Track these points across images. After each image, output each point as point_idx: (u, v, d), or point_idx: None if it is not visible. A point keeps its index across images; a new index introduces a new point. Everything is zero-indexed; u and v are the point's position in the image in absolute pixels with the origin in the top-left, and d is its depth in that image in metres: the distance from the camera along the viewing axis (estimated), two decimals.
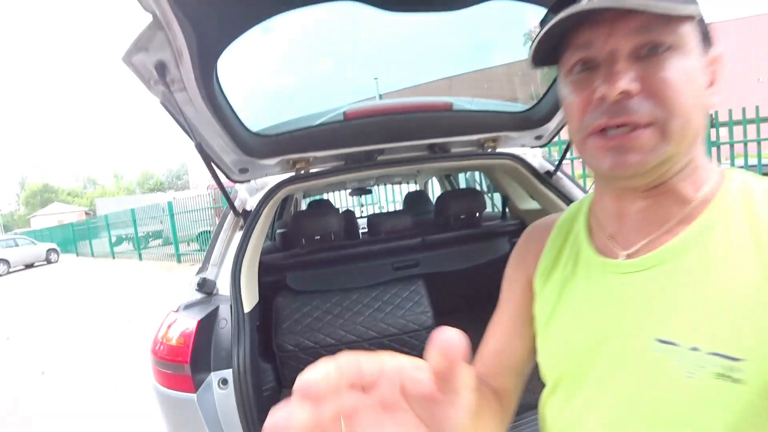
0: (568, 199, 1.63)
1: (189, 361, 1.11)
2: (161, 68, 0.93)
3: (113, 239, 15.06)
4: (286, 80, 1.40)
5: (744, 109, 4.43)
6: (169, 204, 10.77)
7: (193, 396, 1.11)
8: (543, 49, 0.45)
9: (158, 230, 13.06)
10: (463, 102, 1.64)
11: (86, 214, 37.19)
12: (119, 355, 4.08)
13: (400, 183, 5.15)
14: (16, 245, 15.30)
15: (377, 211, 8.02)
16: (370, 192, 5.07)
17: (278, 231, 2.47)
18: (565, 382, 0.51)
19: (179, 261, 10.51)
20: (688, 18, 0.40)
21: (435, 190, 5.24)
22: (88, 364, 3.94)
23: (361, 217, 4.70)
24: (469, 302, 2.00)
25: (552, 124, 1.63)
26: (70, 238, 19.93)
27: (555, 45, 0.45)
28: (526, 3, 1.02)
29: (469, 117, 1.55)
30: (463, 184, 4.12)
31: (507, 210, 2.38)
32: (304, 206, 3.81)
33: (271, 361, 1.66)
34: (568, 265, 0.53)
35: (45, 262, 15.97)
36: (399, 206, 7.47)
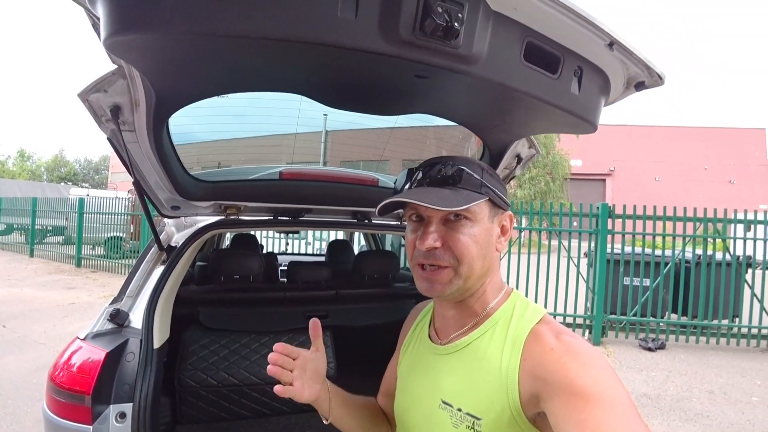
0: None
1: (91, 393, 1.10)
2: (116, 110, 1.00)
3: (2, 226, 13.22)
4: (230, 134, 1.49)
5: (635, 206, 5.25)
6: (81, 200, 9.82)
7: (89, 428, 1.09)
8: (389, 207, 0.69)
9: (60, 226, 11.72)
10: (388, 179, 1.84)
11: None
12: None
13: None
14: None
15: (303, 245, 8.01)
16: (297, 232, 5.17)
17: (198, 263, 2.44)
18: (399, 428, 0.77)
19: (78, 265, 9.48)
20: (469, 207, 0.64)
21: (360, 238, 5.46)
22: None
23: (283, 253, 4.72)
24: (370, 357, 2.12)
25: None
26: None
27: (396, 205, 0.68)
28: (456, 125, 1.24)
29: (391, 194, 1.74)
30: (389, 240, 4.35)
31: None
32: (228, 238, 3.77)
33: (169, 396, 1.63)
34: (416, 342, 0.79)
35: None
36: (325, 243, 7.56)
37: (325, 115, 1.77)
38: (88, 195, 11.67)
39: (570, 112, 0.82)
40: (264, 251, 3.51)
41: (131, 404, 1.14)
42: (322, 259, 3.84)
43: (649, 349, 4.96)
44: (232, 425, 1.75)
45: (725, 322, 5.27)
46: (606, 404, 0.50)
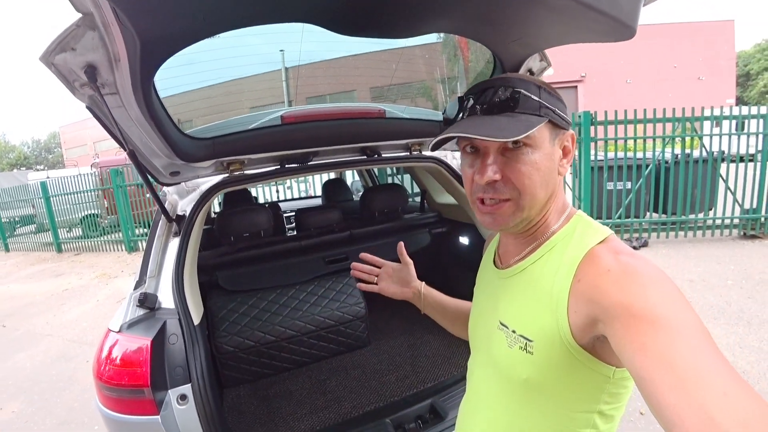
0: None
1: (150, 384, 1.07)
2: (91, 71, 0.87)
3: None
4: (221, 80, 1.35)
5: (616, 111, 5.27)
6: (43, 184, 9.25)
7: (157, 418, 1.08)
8: (442, 142, 0.65)
9: (29, 215, 11.15)
10: (395, 109, 1.74)
11: None
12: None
13: None
14: None
15: (288, 192, 7.87)
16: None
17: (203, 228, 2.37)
18: (470, 341, 0.81)
19: (59, 250, 9.18)
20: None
21: (349, 176, 5.33)
22: None
23: (284, 200, 4.59)
24: None
25: None
26: None
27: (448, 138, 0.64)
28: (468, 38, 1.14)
29: (399, 124, 1.66)
30: (378, 174, 4.28)
31: (425, 203, 2.58)
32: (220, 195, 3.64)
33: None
34: (485, 265, 0.81)
35: None
36: (309, 185, 7.41)
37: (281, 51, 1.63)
38: (48, 177, 10.99)
39: (608, 15, 0.74)
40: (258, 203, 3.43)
41: (189, 385, 1.13)
42: (318, 201, 3.78)
43: (634, 248, 5.25)
44: (276, 379, 1.80)
45: (701, 215, 5.57)
46: (671, 328, 0.46)
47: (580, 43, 1.00)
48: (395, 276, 0.99)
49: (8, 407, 2.88)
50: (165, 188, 1.49)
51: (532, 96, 0.60)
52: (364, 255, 0.99)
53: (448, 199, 2.39)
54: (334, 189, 3.12)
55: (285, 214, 2.81)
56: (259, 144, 1.37)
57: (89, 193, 9.09)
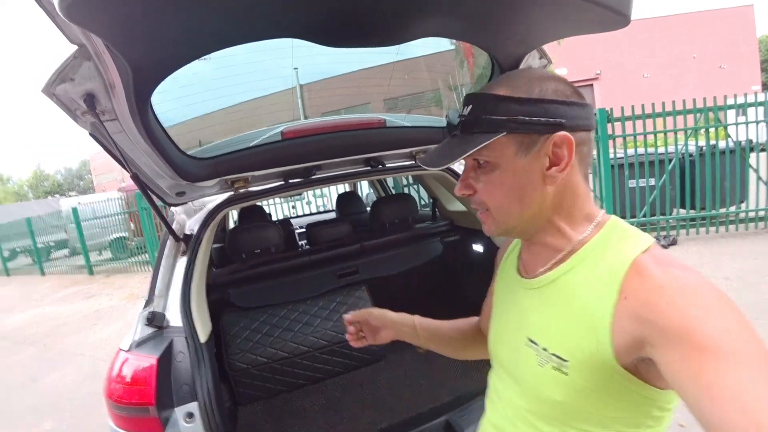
0: None
1: (155, 402, 1.08)
2: (90, 99, 0.90)
3: (5, 254, 13.17)
4: (220, 102, 1.38)
5: (633, 107, 5.13)
6: (74, 210, 9.67)
7: None
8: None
9: (62, 240, 11.65)
10: (395, 118, 1.74)
11: None
12: (34, 388, 3.68)
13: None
14: None
15: (306, 207, 7.96)
16: (300, 193, 5.05)
17: (213, 246, 2.40)
18: (492, 358, 0.75)
19: (91, 273, 9.53)
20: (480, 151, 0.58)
21: (364, 188, 5.34)
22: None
23: (294, 216, 4.65)
24: (410, 303, 2.15)
25: None
26: None
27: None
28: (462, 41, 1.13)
29: (401, 133, 1.66)
30: (391, 183, 4.27)
31: (437, 211, 2.55)
32: (235, 213, 3.71)
33: (224, 380, 1.65)
34: (507, 273, 0.75)
35: None
36: (327, 200, 7.46)
37: (295, 69, 1.65)
38: (79, 203, 11.50)
39: (600, 4, 0.72)
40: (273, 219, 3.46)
41: (195, 403, 1.13)
42: (333, 215, 3.80)
43: (663, 247, 5.05)
44: (290, 396, 1.80)
45: (733, 209, 5.31)
46: (740, 363, 0.41)
47: (577, 35, 0.97)
48: (372, 324, 0.93)
49: (43, 425, 2.98)
50: (172, 208, 1.53)
51: (485, 114, 0.57)
52: (348, 319, 0.94)
53: (459, 206, 2.36)
54: (347, 202, 3.14)
55: (298, 230, 2.84)
56: (261, 160, 1.39)
57: (117, 217, 9.46)
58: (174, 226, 1.44)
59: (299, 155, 1.43)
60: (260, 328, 1.71)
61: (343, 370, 1.83)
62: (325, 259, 2.01)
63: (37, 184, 50.28)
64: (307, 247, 2.22)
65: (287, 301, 1.83)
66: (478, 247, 2.21)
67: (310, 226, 2.12)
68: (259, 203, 4.16)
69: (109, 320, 5.52)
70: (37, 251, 11.59)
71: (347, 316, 0.94)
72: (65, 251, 11.80)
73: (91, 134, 1.00)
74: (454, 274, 2.34)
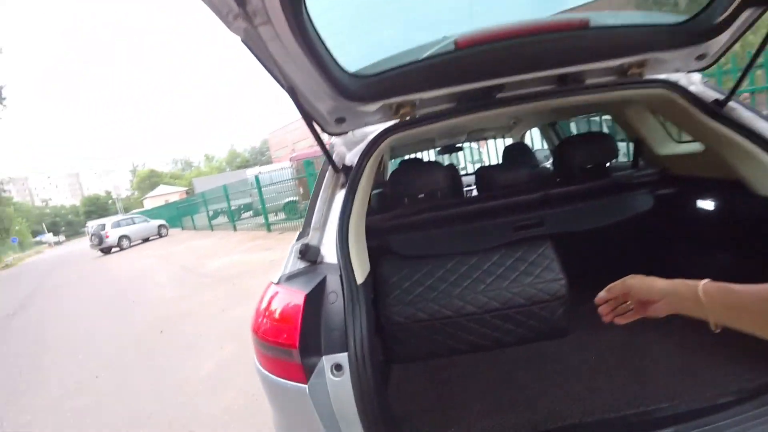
0: (750, 133, 1.24)
1: (298, 346, 0.94)
2: None
3: (210, 213, 16.54)
4: (382, 9, 1.18)
5: None
6: (256, 178, 11.42)
7: (304, 387, 0.96)
8: None
9: (248, 203, 14.05)
10: (602, 17, 1.30)
11: (186, 193, 41.42)
12: (223, 317, 4.42)
13: (493, 138, 4.44)
14: (134, 223, 17.70)
15: (470, 169, 7.56)
16: (460, 149, 4.63)
17: (373, 192, 2.26)
18: None
19: (269, 230, 11.19)
20: None
21: (534, 144, 4.70)
22: (196, 324, 4.33)
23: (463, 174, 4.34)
24: (605, 268, 1.67)
25: (724, 37, 1.23)
26: (175, 215, 22.46)
27: None
28: None
29: (610, 36, 1.22)
30: (570, 134, 3.60)
31: (639, 159, 1.97)
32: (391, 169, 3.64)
33: (378, 334, 1.52)
34: None
35: (157, 236, 18.24)
36: (492, 159, 6.87)
37: None
38: (260, 173, 13.59)
39: None
40: None
41: (346, 353, 0.96)
42: None
43: None
44: (451, 361, 1.58)
45: None
46: None
47: None
48: (641, 295, 0.74)
49: (226, 347, 3.53)
50: (333, 139, 1.42)
51: None
52: (605, 294, 0.78)
53: (680, 147, 1.76)
54: (516, 154, 2.66)
55: (465, 179, 2.52)
56: (431, 77, 1.15)
57: (288, 183, 10.93)
58: (334, 158, 1.32)
59: (477, 70, 1.14)
60: (423, 280, 1.51)
61: (515, 340, 1.51)
62: (501, 208, 1.68)
63: (232, 161, 62.30)
64: (477, 195, 1.95)
65: (455, 252, 1.58)
66: (706, 205, 1.61)
67: (481, 170, 1.83)
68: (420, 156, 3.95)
69: (280, 268, 6.33)
70: (230, 212, 14.23)
71: (601, 295, 0.78)
72: (250, 212, 14.20)
73: (243, 42, 0.89)
74: (670, 240, 1.77)
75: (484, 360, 1.55)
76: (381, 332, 1.54)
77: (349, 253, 1.09)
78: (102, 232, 16.33)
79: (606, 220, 1.60)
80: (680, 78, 1.40)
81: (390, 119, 1.27)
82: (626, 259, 1.53)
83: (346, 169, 1.27)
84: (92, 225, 25.90)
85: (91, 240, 17.23)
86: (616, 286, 0.76)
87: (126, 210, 52.68)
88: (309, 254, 1.12)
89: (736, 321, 0.61)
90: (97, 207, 70.59)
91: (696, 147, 1.61)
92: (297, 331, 0.95)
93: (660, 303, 0.70)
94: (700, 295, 0.64)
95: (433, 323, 1.46)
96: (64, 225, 75.56)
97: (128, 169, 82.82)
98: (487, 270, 1.49)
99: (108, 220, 17.99)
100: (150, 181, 63.23)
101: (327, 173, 1.35)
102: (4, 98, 22.52)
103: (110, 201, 69.31)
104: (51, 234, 57.51)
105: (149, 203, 44.76)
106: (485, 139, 4.53)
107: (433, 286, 1.49)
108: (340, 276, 1.05)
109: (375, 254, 1.60)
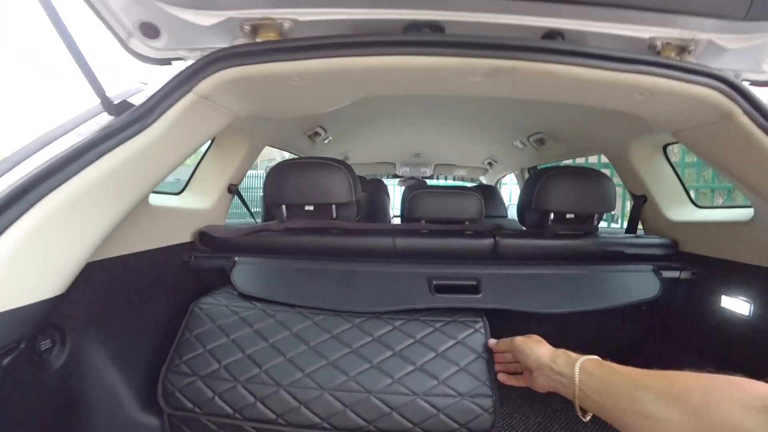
0: None
1: None
2: None
3: None
4: None
5: None
6: None
7: None
8: None
9: None
10: None
11: None
12: None
13: (462, 180, 3.52)
14: None
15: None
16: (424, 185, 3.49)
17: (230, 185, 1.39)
18: None
19: None
20: None
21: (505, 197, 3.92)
22: None
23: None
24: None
25: None
26: None
27: None
28: None
29: None
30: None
31: (641, 218, 1.40)
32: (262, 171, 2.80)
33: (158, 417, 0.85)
34: None
35: None
36: None
37: None
38: None
39: None
40: None
41: None
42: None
43: None
44: None
45: None
46: None
47: None
48: (524, 359, 0.67)
49: None
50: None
51: None
52: (495, 345, 0.68)
53: (706, 214, 1.22)
54: (482, 195, 1.98)
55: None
56: None
57: None
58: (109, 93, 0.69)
59: None
60: (248, 343, 0.83)
61: None
62: (420, 251, 1.09)
63: None
64: (399, 221, 1.35)
65: (322, 308, 0.90)
66: (734, 304, 1.02)
67: (410, 190, 1.22)
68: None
69: None
70: None
71: (491, 342, 0.72)
72: None
73: None
74: (679, 344, 1.16)
75: None
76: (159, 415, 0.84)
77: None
78: None
79: (585, 303, 0.96)
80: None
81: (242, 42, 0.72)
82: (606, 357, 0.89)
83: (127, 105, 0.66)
84: None
85: None
86: (504, 342, 0.72)
87: None
88: None
89: (602, 409, 0.51)
90: None
91: (739, 215, 1.07)
92: None
93: (535, 373, 0.63)
94: (576, 370, 0.56)
95: (239, 424, 0.77)
96: None
97: None
98: (363, 351, 0.82)
99: None
100: None
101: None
102: None
103: None
104: None
105: None
106: (454, 178, 3.61)
107: (262, 358, 0.82)
108: None
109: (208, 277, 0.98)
